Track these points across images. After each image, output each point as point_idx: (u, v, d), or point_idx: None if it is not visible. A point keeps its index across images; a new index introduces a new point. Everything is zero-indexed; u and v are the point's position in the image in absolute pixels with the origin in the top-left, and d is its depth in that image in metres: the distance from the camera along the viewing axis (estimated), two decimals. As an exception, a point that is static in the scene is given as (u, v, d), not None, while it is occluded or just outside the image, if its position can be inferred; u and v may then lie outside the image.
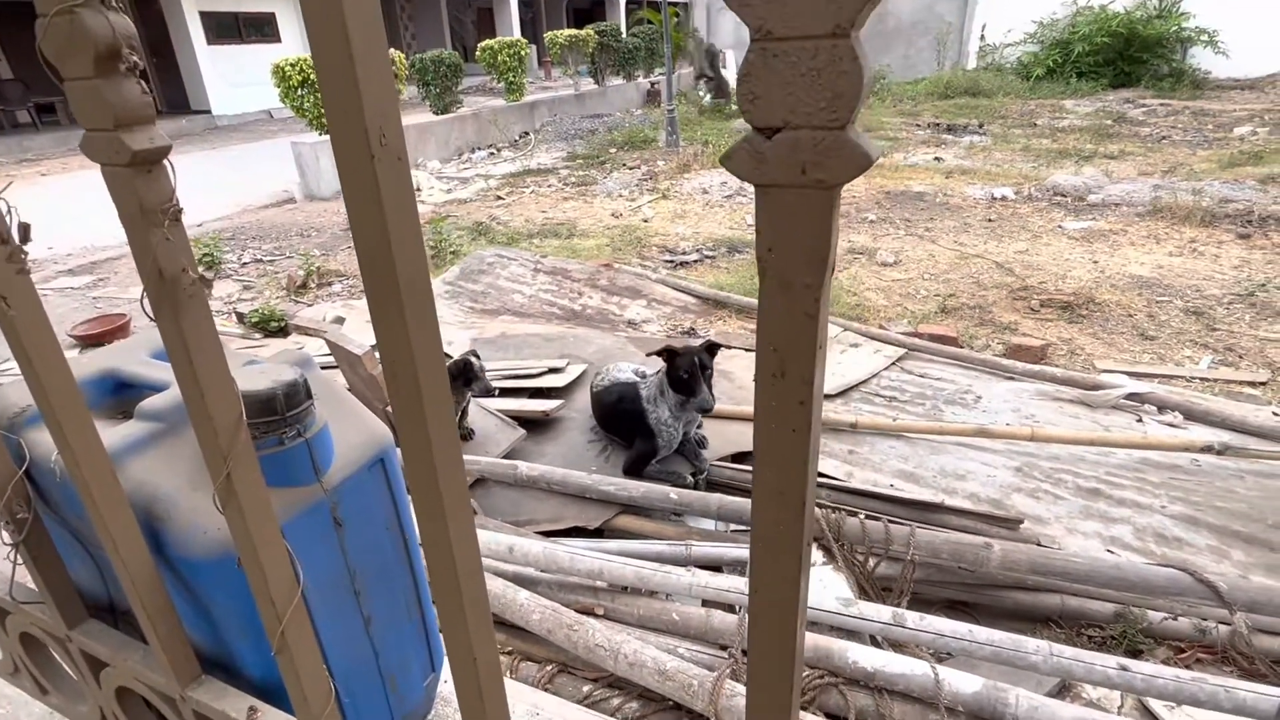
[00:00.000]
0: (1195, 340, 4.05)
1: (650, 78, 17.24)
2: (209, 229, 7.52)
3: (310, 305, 5.20)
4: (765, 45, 0.29)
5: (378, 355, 2.24)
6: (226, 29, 16.57)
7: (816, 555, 2.11)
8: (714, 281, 5.25)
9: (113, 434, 0.87)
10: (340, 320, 4.56)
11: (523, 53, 12.98)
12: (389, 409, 2.91)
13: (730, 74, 16.19)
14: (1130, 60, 14.17)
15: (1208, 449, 2.73)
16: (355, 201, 0.41)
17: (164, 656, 0.86)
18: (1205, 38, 13.89)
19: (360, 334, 4.13)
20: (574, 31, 15.02)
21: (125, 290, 5.74)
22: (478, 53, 13.02)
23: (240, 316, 4.78)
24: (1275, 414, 3.18)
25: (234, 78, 16.45)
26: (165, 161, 0.52)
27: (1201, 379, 3.63)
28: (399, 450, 0.80)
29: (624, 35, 16.70)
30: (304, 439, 0.89)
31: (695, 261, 5.83)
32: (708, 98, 14.48)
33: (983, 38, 16.72)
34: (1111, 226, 6.04)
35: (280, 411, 0.85)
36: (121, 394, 1.02)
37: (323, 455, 0.93)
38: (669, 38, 11.11)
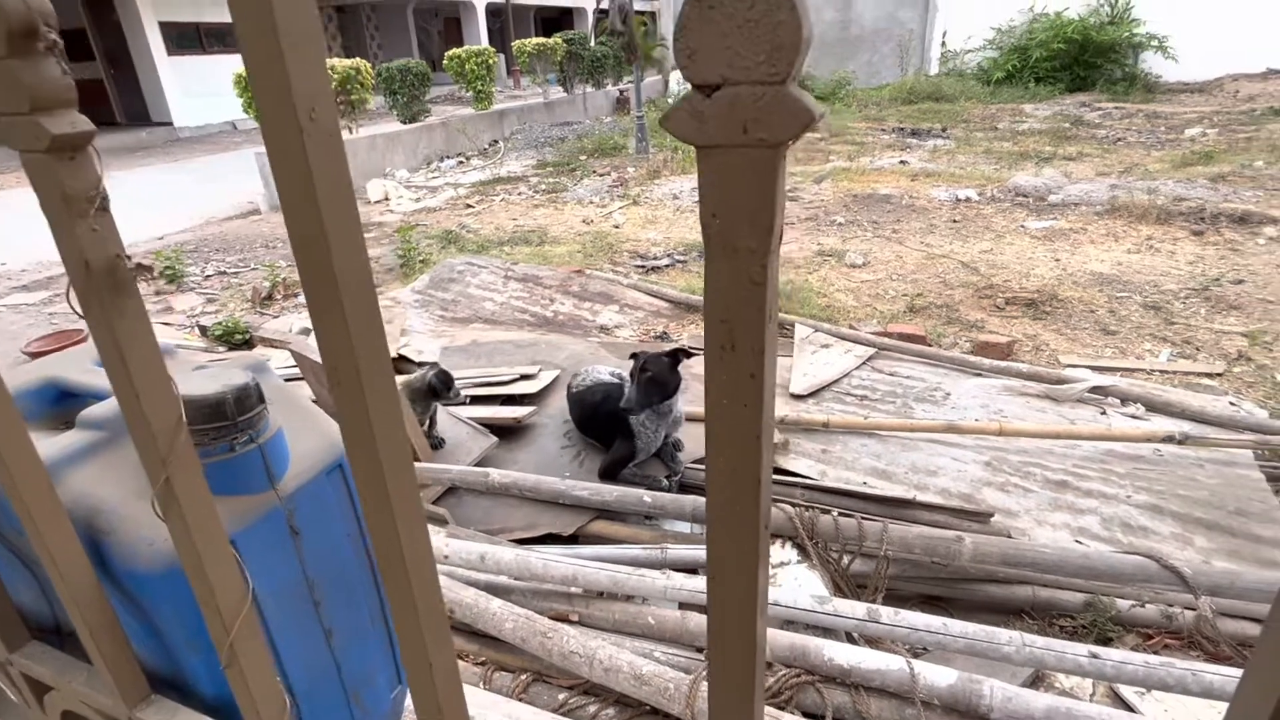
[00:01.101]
0: (1154, 334, 4.15)
1: (619, 85, 17.29)
2: (171, 242, 7.35)
3: (276, 317, 5.10)
4: (701, -3, 0.28)
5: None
6: (187, 39, 16.27)
7: (791, 553, 2.10)
8: (686, 286, 5.25)
9: (51, 444, 0.83)
10: (307, 331, 4.47)
11: (490, 61, 12.94)
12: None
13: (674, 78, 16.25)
14: (1085, 65, 14.58)
15: (1169, 439, 2.79)
16: (285, 182, 0.39)
17: (109, 677, 0.82)
18: (1156, 43, 14.34)
19: (327, 345, 4.05)
20: (542, 40, 15.02)
21: (82, 305, 5.57)
22: (445, 62, 12.95)
23: (203, 329, 4.66)
24: (1232, 404, 3.27)
25: (196, 88, 16.15)
26: (89, 147, 0.50)
27: (1161, 371, 3.71)
28: (347, 454, 0.77)
29: (592, 44, 16.74)
30: (256, 445, 0.86)
31: (667, 266, 5.84)
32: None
33: (944, 44, 17.07)
34: (1072, 225, 6.18)
35: (230, 416, 0.82)
36: (64, 404, 0.98)
37: (277, 461, 0.90)
38: (638, 45, 11.15)
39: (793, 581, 1.97)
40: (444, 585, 1.94)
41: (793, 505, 2.15)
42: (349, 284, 0.41)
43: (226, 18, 15.33)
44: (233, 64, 12.84)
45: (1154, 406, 3.19)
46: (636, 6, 12.45)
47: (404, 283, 5.57)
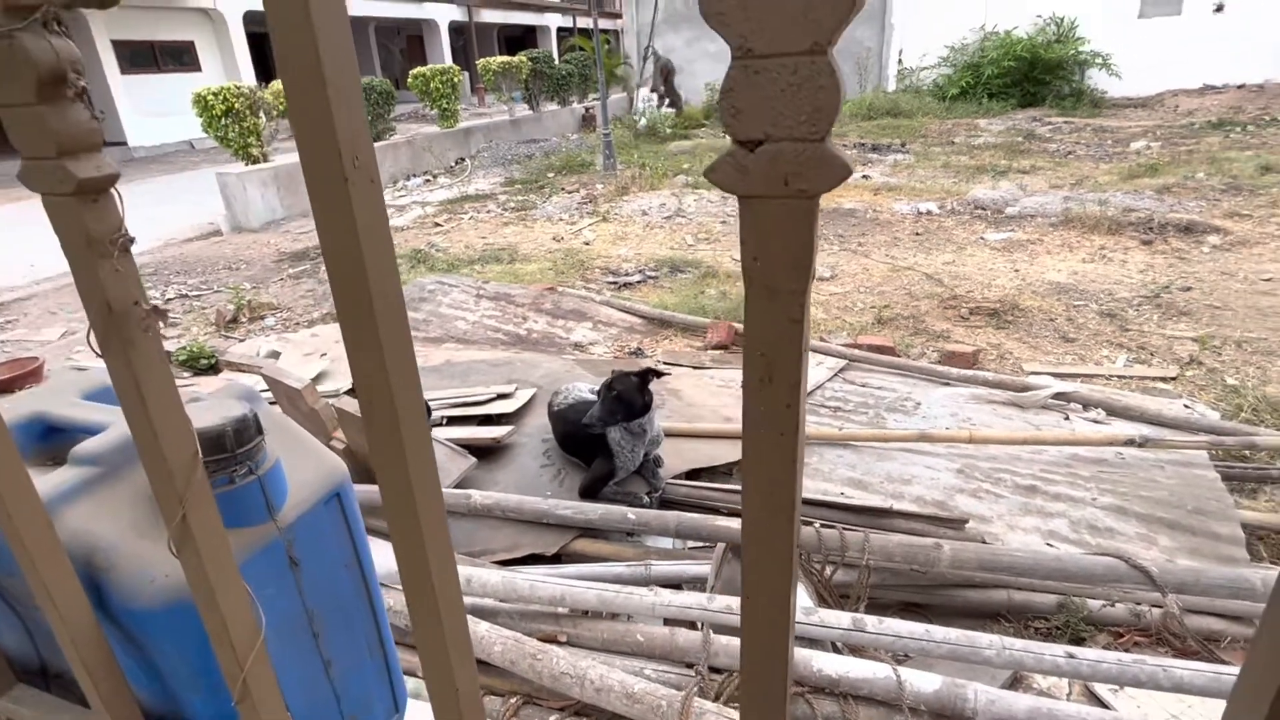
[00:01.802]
0: (1111, 340, 4.30)
1: (585, 103, 17.41)
2: (128, 265, 7.16)
3: (242, 340, 5.00)
4: (747, 62, 0.30)
5: (319, 389, 2.16)
6: (142, 58, 15.95)
7: (775, 566, 2.13)
8: (658, 301, 5.30)
9: (45, 481, 0.82)
10: (275, 354, 4.40)
11: (455, 79, 12.93)
12: (331, 444, 2.82)
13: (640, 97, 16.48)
14: (1035, 82, 15.14)
15: (1130, 442, 2.89)
16: (328, 225, 0.40)
17: (108, 717, 0.80)
18: (1100, 61, 14.96)
19: (298, 368, 3.99)
20: (507, 59, 15.07)
21: (37, 332, 5.40)
22: (410, 80, 12.92)
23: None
24: (1186, 406, 3.41)
25: (151, 108, 15.82)
26: (112, 189, 0.50)
27: (1119, 376, 3.85)
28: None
29: (557, 62, 16.84)
30: (255, 477, 0.86)
31: (639, 282, 5.87)
32: (660, 108, 14.47)
33: (900, 62, 17.57)
34: (1029, 236, 6.39)
35: (230, 449, 0.82)
36: (52, 439, 0.96)
37: (276, 493, 0.89)
38: (601, 63, 11.27)
39: (778, 594, 1.99)
40: (429, 610, 1.93)
41: (775, 518, 2.18)
42: (387, 324, 0.42)
43: (183, 36, 15.05)
44: (190, 83, 12.60)
45: (1114, 411, 3.31)
46: (601, 25, 12.62)
47: (374, 303, 5.50)
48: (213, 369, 4.35)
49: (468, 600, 2.02)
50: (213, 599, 0.63)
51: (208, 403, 0.88)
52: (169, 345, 4.76)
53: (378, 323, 0.41)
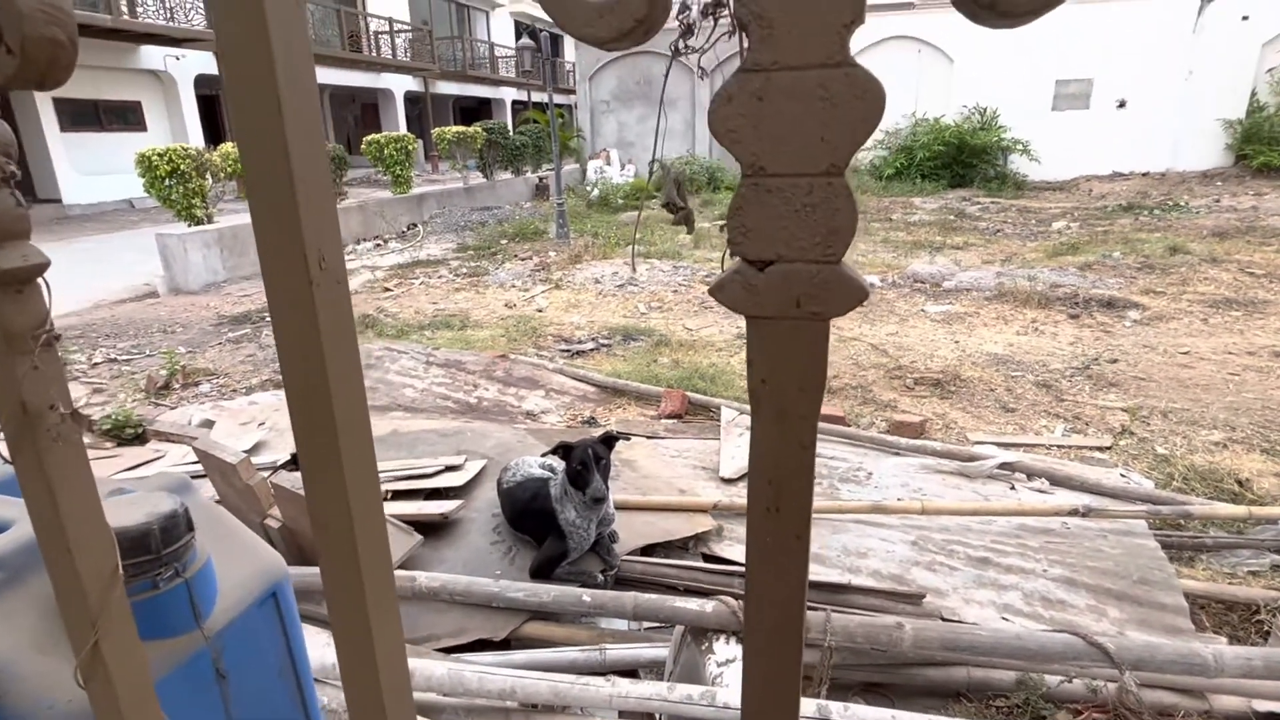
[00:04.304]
0: (1048, 410, 4.46)
1: (539, 173, 17.78)
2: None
3: (173, 408, 4.74)
4: (758, 181, 0.28)
5: (256, 460, 2.04)
6: (84, 117, 15.63)
7: (736, 649, 2.06)
8: (611, 370, 5.28)
9: (-69, 591, 0.72)
10: (208, 424, 4.18)
11: (410, 147, 13.07)
12: (266, 523, 2.65)
13: (614, 169, 16.95)
14: (963, 165, 16.21)
15: (1074, 512, 2.95)
16: (288, 332, 0.36)
17: None
18: (1020, 147, 16.17)
19: (233, 438, 3.79)
20: (462, 128, 15.36)
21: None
22: (364, 146, 13.00)
23: (90, 423, 4.26)
24: (1123, 475, 3.52)
25: (90, 166, 15.41)
26: (39, 280, 0.45)
27: (1058, 446, 3.98)
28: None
29: (511, 133, 17.25)
30: (182, 579, 0.78)
31: (592, 350, 5.86)
32: (676, 225, 14.19)
33: (839, 143, 18.58)
34: (966, 309, 6.68)
35: (155, 550, 0.74)
36: (-57, 538, 0.85)
37: (204, 596, 0.81)
38: (556, 136, 11.58)
39: (740, 680, 1.91)
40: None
41: (735, 598, 2.12)
42: (349, 438, 0.38)
43: (130, 96, 14.82)
44: (134, 142, 12.40)
45: (1056, 480, 3.40)
46: (556, 100, 13.00)
47: (317, 369, 5.33)
48: (139, 439, 4.09)
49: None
50: (124, 737, 0.54)
51: (134, 496, 0.80)
52: (96, 412, 4.48)
53: (340, 445, 0.37)
